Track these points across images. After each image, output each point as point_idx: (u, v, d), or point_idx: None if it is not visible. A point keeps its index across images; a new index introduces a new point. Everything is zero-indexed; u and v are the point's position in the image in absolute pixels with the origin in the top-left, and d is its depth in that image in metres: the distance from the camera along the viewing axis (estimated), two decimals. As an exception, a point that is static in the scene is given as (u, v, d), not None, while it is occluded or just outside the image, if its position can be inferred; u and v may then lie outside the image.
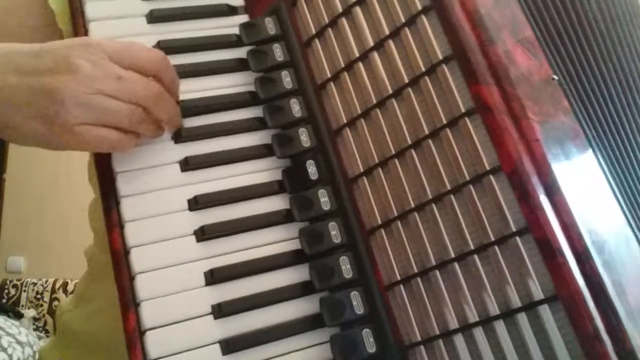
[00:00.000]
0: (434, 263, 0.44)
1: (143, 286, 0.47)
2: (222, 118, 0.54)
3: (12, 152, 2.54)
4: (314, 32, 0.53)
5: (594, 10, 0.50)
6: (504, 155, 0.42)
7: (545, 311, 0.39)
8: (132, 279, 0.48)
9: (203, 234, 0.49)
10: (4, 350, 0.81)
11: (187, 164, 0.52)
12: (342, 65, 0.50)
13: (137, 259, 0.48)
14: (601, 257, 0.39)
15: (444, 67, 0.45)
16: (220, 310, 0.47)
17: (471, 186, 0.43)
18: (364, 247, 0.48)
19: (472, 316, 0.42)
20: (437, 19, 0.45)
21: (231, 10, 0.58)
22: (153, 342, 0.45)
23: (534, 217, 0.40)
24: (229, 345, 0.46)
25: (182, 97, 0.54)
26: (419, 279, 0.44)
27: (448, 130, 0.44)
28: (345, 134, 0.50)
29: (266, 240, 0.51)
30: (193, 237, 0.49)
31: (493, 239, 0.42)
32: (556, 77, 0.46)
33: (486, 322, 0.41)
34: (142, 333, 0.46)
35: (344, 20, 0.51)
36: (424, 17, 0.46)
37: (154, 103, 0.47)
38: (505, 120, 0.42)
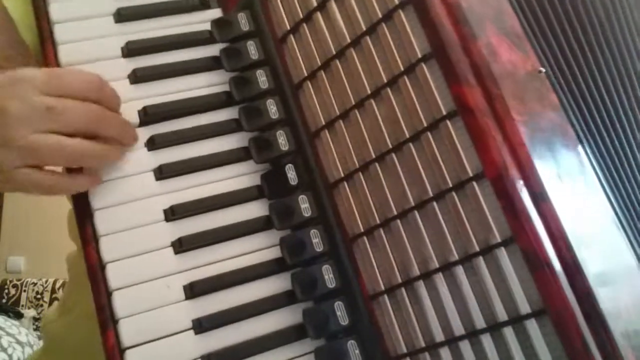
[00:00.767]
0: (418, 273, 0.42)
1: (121, 304, 0.45)
2: (197, 121, 0.52)
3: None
4: (288, 27, 0.50)
5: None
6: (487, 161, 0.39)
7: (532, 325, 0.37)
8: (109, 295, 0.46)
9: (181, 245, 0.48)
10: (4, 350, 0.81)
11: (162, 173, 0.49)
12: (319, 63, 0.48)
13: (114, 275, 0.46)
14: (592, 269, 0.37)
15: (423, 66, 0.42)
16: (201, 325, 0.46)
17: (454, 193, 0.41)
18: (346, 256, 0.46)
19: (458, 329, 0.40)
20: (414, 14, 0.42)
21: (203, 4, 0.55)
22: (133, 361, 0.44)
23: (519, 226, 0.38)
24: (211, 360, 0.45)
25: (156, 100, 0.52)
26: (403, 290, 0.43)
27: (429, 134, 0.42)
28: (324, 137, 0.47)
29: (247, 248, 0.49)
30: (171, 249, 0.48)
31: (477, 249, 0.39)
32: (543, 70, 0.43)
33: (472, 335, 0.40)
34: (122, 351, 0.45)
35: (319, 15, 0.48)
36: (401, 12, 0.43)
37: (97, 126, 0.45)
38: (488, 123, 0.39)
